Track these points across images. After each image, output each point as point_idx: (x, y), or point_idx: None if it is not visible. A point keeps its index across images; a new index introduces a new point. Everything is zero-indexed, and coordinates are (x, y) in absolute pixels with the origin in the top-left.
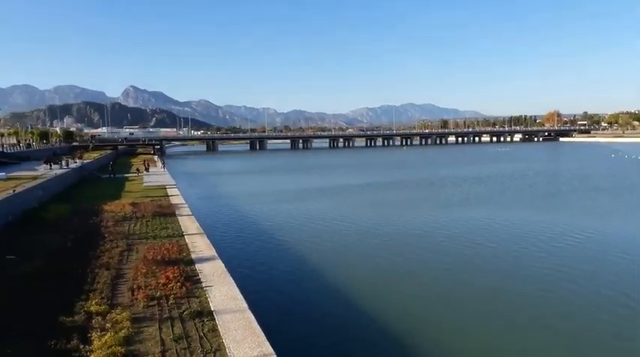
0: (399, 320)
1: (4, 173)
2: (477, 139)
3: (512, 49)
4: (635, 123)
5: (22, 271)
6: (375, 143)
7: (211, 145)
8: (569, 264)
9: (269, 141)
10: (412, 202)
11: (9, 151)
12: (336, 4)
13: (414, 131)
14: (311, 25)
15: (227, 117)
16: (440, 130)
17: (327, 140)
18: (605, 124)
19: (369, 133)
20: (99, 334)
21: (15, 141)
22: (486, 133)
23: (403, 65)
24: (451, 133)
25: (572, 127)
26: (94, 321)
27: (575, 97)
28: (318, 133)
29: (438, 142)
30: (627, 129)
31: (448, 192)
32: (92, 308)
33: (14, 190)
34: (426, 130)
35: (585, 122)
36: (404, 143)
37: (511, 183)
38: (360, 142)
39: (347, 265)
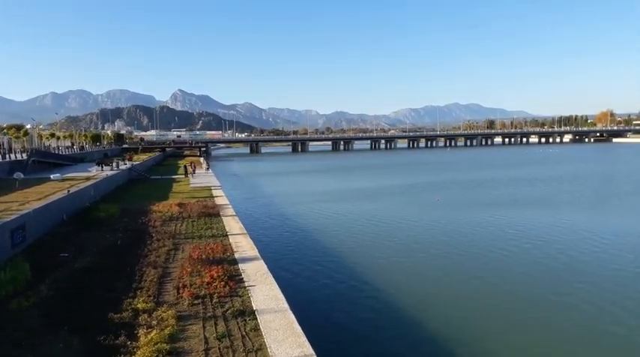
0: (442, 327)
1: (59, 174)
2: (524, 139)
3: (562, 46)
4: None
5: (73, 268)
6: (417, 144)
7: (255, 147)
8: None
9: (310, 143)
10: (456, 204)
11: (64, 153)
12: (382, 5)
13: (458, 132)
14: (354, 27)
15: (270, 119)
16: (485, 131)
17: (369, 142)
18: None
19: (411, 134)
20: (145, 330)
21: (69, 143)
22: (534, 133)
23: (447, 64)
24: (497, 134)
25: (627, 128)
26: (140, 318)
27: (631, 95)
28: (360, 134)
29: (483, 143)
30: None
31: (491, 195)
32: (139, 305)
33: (69, 190)
34: (471, 131)
35: None
36: (448, 144)
37: (565, 186)
38: (402, 143)
39: (388, 268)
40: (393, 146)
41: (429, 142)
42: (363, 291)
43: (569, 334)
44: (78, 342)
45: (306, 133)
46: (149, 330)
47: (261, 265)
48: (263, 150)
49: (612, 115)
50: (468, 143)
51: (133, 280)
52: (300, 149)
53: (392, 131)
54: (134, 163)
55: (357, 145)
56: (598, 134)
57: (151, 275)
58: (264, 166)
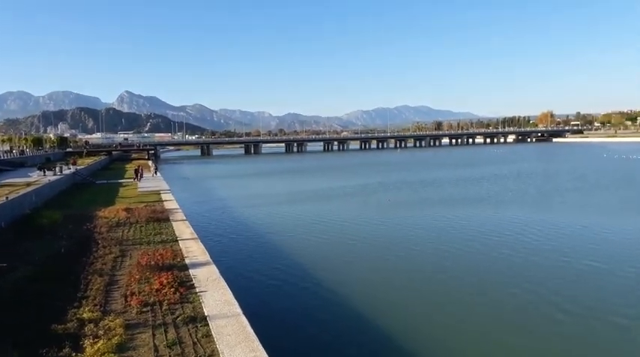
0: (395, 323)
1: None
2: (470, 140)
3: (505, 50)
4: (628, 123)
5: (13, 278)
6: (369, 146)
7: (206, 150)
8: (563, 259)
9: (263, 145)
10: (406, 204)
11: (3, 158)
12: (332, 6)
13: (408, 133)
14: (306, 30)
15: (222, 121)
16: (434, 132)
17: (322, 143)
18: (598, 124)
19: (363, 136)
20: (91, 341)
21: (8, 148)
22: (480, 134)
23: (397, 67)
24: (445, 135)
25: (565, 128)
26: (86, 328)
27: (569, 98)
28: (313, 136)
29: (432, 144)
30: (620, 129)
31: (440, 194)
32: (85, 315)
33: (7, 197)
34: (420, 133)
35: (578, 122)
36: (398, 145)
37: (511, 183)
38: (354, 145)
39: (341, 267)
40: (345, 148)
41: (380, 144)
42: (318, 292)
43: (508, 319)
44: (19, 356)
45: (258, 135)
46: (95, 340)
47: (212, 270)
48: (214, 152)
49: (552, 116)
50: (418, 144)
51: (78, 289)
52: (252, 151)
53: (344, 133)
54: (79, 167)
55: (310, 146)
56: (539, 134)
57: (97, 283)
58: (216, 169)
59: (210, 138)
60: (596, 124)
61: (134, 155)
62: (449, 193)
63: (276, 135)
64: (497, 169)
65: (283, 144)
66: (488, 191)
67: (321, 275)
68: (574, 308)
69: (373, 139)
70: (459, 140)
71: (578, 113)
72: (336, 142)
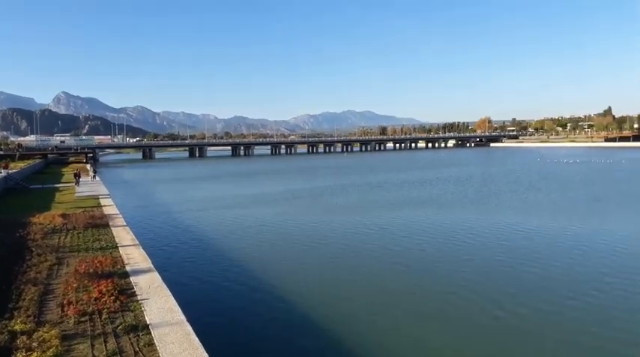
0: (341, 325)
1: None
2: (413, 145)
3: (445, 58)
4: (559, 129)
5: None
6: (316, 150)
7: (148, 153)
8: (491, 256)
9: (209, 148)
10: (354, 206)
11: None
12: (277, 9)
13: (354, 138)
14: (251, 31)
15: (165, 123)
16: (379, 137)
17: (269, 147)
18: (532, 130)
19: (310, 139)
20: (24, 354)
21: None
22: (422, 139)
23: (343, 73)
24: (389, 140)
25: (502, 133)
26: (18, 341)
27: (505, 104)
28: (260, 139)
29: (377, 148)
30: (552, 134)
31: (386, 197)
32: (17, 327)
33: None
34: (366, 137)
35: (514, 128)
36: (345, 149)
37: (451, 186)
38: (302, 148)
39: (288, 271)
40: (293, 151)
41: (328, 148)
42: (265, 297)
43: (442, 315)
44: None
45: (203, 138)
46: (29, 353)
47: (155, 277)
48: (157, 155)
49: (490, 122)
50: (363, 148)
51: (9, 300)
52: (197, 154)
53: (292, 136)
54: (10, 171)
55: (257, 150)
56: (478, 139)
57: (30, 293)
58: (159, 173)
59: (153, 141)
60: (530, 129)
61: (71, 158)
62: (394, 195)
63: (222, 138)
64: (439, 173)
65: (230, 147)
66: (431, 193)
67: (267, 279)
68: (503, 302)
69: (320, 143)
70: (403, 145)
71: (514, 119)
72: (283, 146)
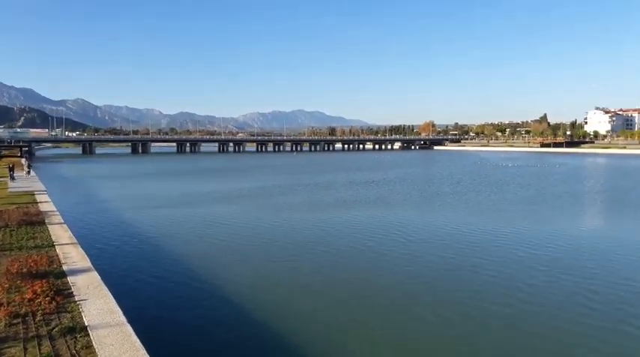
0: (286, 323)
1: None
2: (361, 146)
3: (395, 63)
4: (498, 133)
5: None
6: (265, 148)
7: (88, 148)
8: (430, 251)
9: (153, 144)
10: (303, 205)
11: None
12: (228, 5)
13: (304, 138)
14: (200, 25)
15: (107, 118)
16: (328, 137)
17: (217, 144)
18: (473, 134)
19: (259, 138)
20: None
21: None
22: (370, 141)
23: (292, 72)
24: (338, 140)
25: (445, 137)
26: None
27: (448, 109)
28: (207, 136)
29: (326, 148)
30: (492, 139)
31: (334, 196)
32: None
33: None
34: (315, 137)
35: (456, 132)
36: (294, 149)
37: (398, 187)
38: (250, 147)
39: (234, 270)
40: (241, 149)
41: (277, 146)
42: (209, 297)
43: (387, 313)
44: None
45: (147, 134)
46: None
47: (94, 277)
48: (98, 151)
49: (434, 126)
50: (313, 148)
51: None
52: (140, 151)
53: (240, 134)
54: None
55: (204, 147)
56: (422, 142)
57: None
58: (100, 169)
59: (94, 135)
60: (471, 134)
61: (4, 152)
62: (342, 195)
63: (167, 134)
64: (386, 174)
65: (175, 144)
66: (378, 194)
67: (211, 279)
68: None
69: (270, 141)
70: (351, 146)
71: (457, 124)
72: (231, 144)
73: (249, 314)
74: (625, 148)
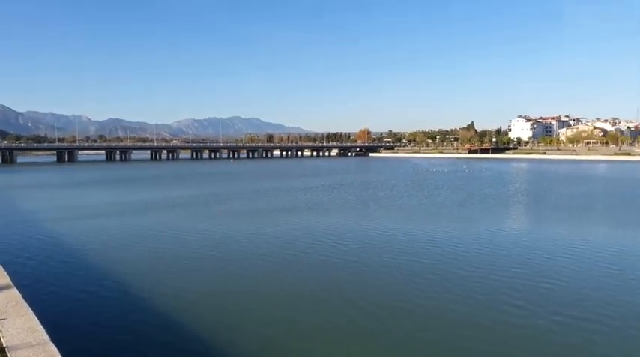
0: (219, 332)
1: None
2: (299, 153)
3: (331, 71)
4: (429, 141)
5: None
6: (201, 156)
7: (8, 157)
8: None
9: (80, 152)
10: (240, 213)
11: None
12: (158, 6)
13: (241, 145)
14: (129, 27)
15: (29, 124)
16: (266, 145)
17: (149, 152)
18: (406, 141)
19: (194, 145)
20: None
21: None
22: (307, 148)
23: (231, 77)
24: (276, 148)
25: (380, 144)
26: None
27: (383, 117)
28: (139, 144)
29: (264, 155)
30: (423, 146)
31: (272, 204)
32: None
33: None
34: (253, 144)
35: (390, 139)
36: (231, 156)
37: (336, 193)
38: (185, 154)
39: (166, 282)
40: (175, 157)
41: (213, 154)
42: (136, 311)
43: (335, 313)
44: None
45: (74, 141)
46: None
47: (13, 294)
48: (20, 160)
49: (369, 133)
50: (250, 155)
51: None
52: (67, 159)
53: (174, 141)
54: None
55: (135, 155)
56: (358, 149)
57: None
58: (21, 179)
59: (15, 143)
60: (404, 141)
61: None
62: (281, 202)
63: (95, 141)
64: (323, 180)
65: (104, 152)
66: (316, 200)
67: (142, 292)
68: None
69: (205, 148)
70: (289, 153)
71: (390, 131)
72: (165, 151)
73: (182, 328)
74: (545, 153)
